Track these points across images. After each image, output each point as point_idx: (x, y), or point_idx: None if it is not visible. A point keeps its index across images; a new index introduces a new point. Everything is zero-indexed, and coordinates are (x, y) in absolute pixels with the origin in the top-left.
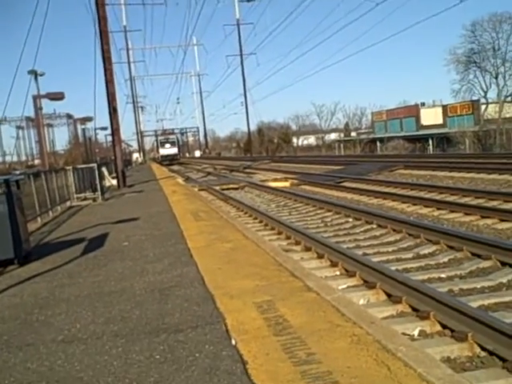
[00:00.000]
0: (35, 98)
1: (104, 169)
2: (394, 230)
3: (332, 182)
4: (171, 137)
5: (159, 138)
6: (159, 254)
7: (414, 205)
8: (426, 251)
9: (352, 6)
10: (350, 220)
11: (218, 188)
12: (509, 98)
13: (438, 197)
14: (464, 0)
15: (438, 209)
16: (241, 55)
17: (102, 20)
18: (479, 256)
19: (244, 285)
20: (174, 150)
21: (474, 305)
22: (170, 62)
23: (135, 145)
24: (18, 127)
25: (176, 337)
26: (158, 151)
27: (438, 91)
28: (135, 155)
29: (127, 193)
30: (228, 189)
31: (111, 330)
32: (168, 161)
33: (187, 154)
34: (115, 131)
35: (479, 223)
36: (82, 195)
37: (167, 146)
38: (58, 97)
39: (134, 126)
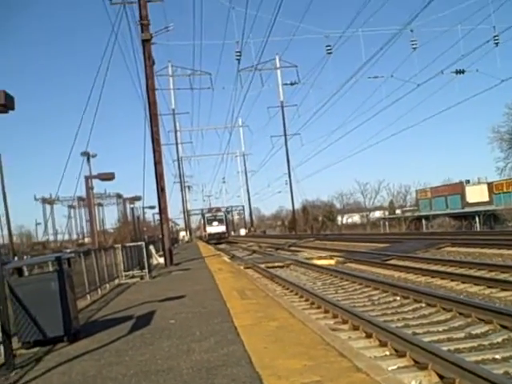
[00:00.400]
0: (87, 179)
1: (151, 247)
2: (444, 309)
3: (378, 259)
4: (219, 214)
5: (206, 215)
6: (205, 332)
7: (464, 283)
8: (478, 331)
9: (394, 86)
10: (398, 298)
11: (263, 266)
12: None
13: (488, 275)
14: (505, 80)
15: (489, 287)
16: (285, 136)
17: (151, 104)
18: None
19: (291, 364)
20: (222, 228)
21: None
22: (216, 142)
23: (182, 223)
24: (70, 206)
25: None
26: (204, 229)
27: (483, 169)
28: (182, 234)
29: (174, 271)
30: (273, 267)
31: None
32: (215, 239)
33: (232, 233)
34: (163, 210)
35: None
36: (130, 273)
37: (215, 223)
38: (108, 177)
39: (180, 205)
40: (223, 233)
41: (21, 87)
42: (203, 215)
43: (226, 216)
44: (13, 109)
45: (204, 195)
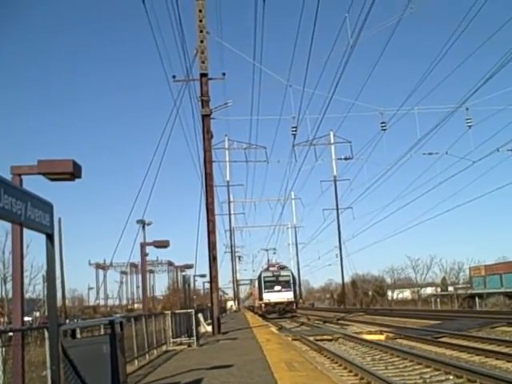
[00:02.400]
0: (142, 246)
1: (200, 315)
2: None
3: (429, 336)
4: (283, 273)
5: (263, 274)
6: None
7: None
8: None
9: (448, 163)
10: (451, 377)
11: (311, 338)
12: None
13: None
14: None
15: None
16: (337, 209)
17: (208, 176)
18: None
19: None
20: (288, 295)
21: None
22: (268, 213)
23: (230, 292)
24: (122, 272)
25: None
26: (260, 297)
27: None
28: (230, 303)
29: (222, 339)
30: (322, 340)
31: None
32: (277, 312)
33: None
34: (213, 278)
35: None
36: (178, 340)
37: (277, 287)
38: (163, 244)
39: (229, 274)
40: (289, 302)
41: (82, 157)
42: (259, 276)
43: (293, 277)
44: (80, 177)
45: (253, 268)
